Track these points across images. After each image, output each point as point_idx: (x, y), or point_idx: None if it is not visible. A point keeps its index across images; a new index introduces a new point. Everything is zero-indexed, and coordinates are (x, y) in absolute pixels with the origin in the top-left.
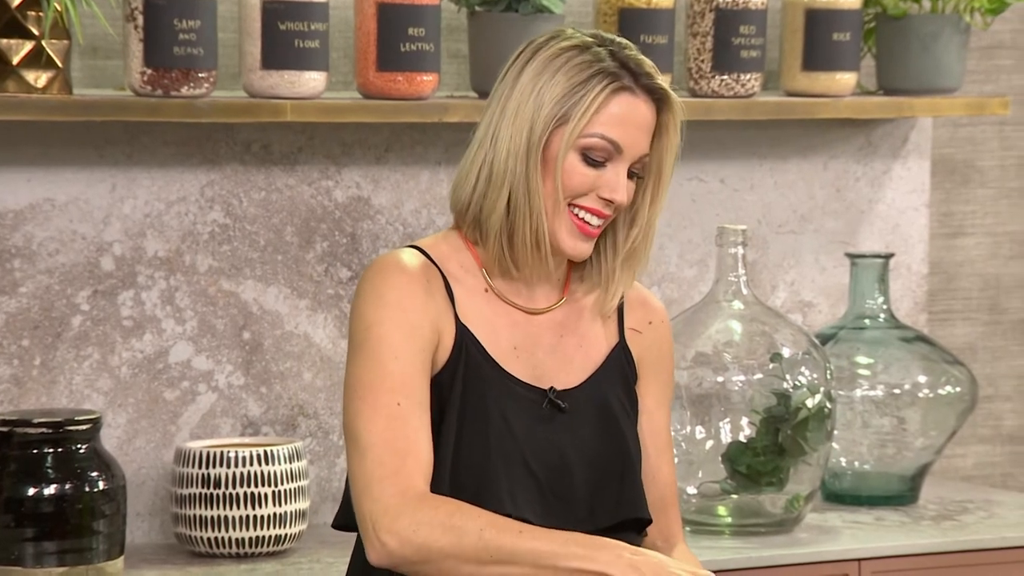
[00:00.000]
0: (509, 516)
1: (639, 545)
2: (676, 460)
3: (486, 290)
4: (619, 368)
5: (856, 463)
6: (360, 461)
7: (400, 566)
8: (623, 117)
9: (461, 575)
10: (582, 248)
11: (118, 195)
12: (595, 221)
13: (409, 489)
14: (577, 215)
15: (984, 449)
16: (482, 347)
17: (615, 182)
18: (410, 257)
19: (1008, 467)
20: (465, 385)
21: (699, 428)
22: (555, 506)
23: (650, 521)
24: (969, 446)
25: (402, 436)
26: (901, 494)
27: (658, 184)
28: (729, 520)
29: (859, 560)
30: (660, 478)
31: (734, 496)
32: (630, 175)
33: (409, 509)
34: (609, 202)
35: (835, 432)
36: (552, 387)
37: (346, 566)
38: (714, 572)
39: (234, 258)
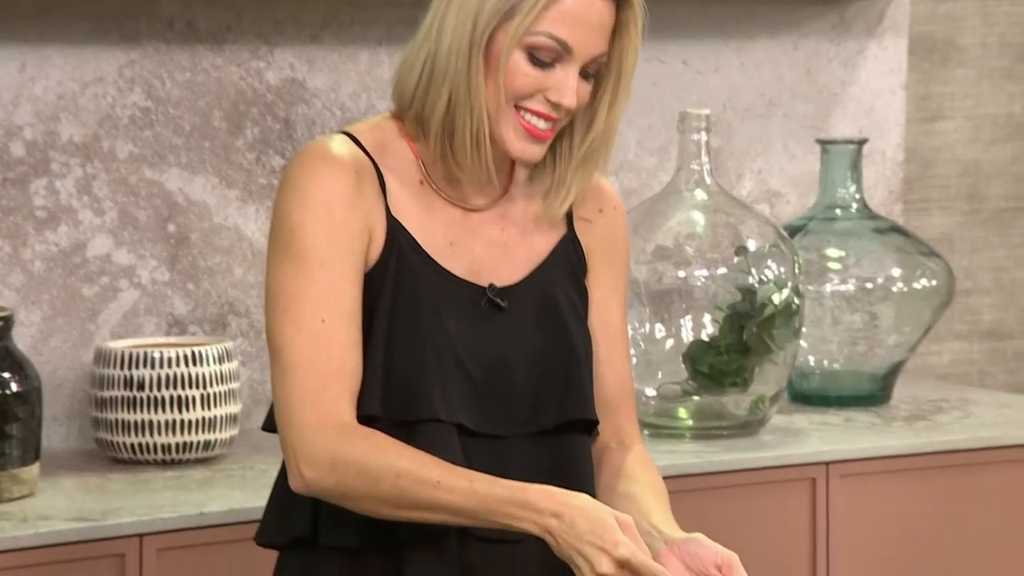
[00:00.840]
0: (440, 421)
1: (587, 450)
2: (634, 361)
3: (421, 182)
4: (566, 261)
5: (825, 362)
6: (281, 381)
7: (319, 496)
8: (575, 15)
9: (380, 514)
10: (532, 151)
11: (28, 75)
12: (543, 124)
13: (329, 417)
14: (524, 117)
15: (960, 346)
16: (415, 242)
17: (563, 84)
18: (339, 146)
19: (985, 364)
20: (397, 282)
21: (659, 326)
22: (493, 409)
23: (597, 423)
24: (945, 343)
25: (325, 356)
26: (872, 394)
27: (617, 86)
28: (690, 423)
29: (827, 463)
30: (612, 373)
31: (695, 398)
32: (585, 76)
33: (327, 442)
34: (557, 105)
35: (803, 329)
36: (491, 284)
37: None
38: (674, 477)
39: (157, 144)
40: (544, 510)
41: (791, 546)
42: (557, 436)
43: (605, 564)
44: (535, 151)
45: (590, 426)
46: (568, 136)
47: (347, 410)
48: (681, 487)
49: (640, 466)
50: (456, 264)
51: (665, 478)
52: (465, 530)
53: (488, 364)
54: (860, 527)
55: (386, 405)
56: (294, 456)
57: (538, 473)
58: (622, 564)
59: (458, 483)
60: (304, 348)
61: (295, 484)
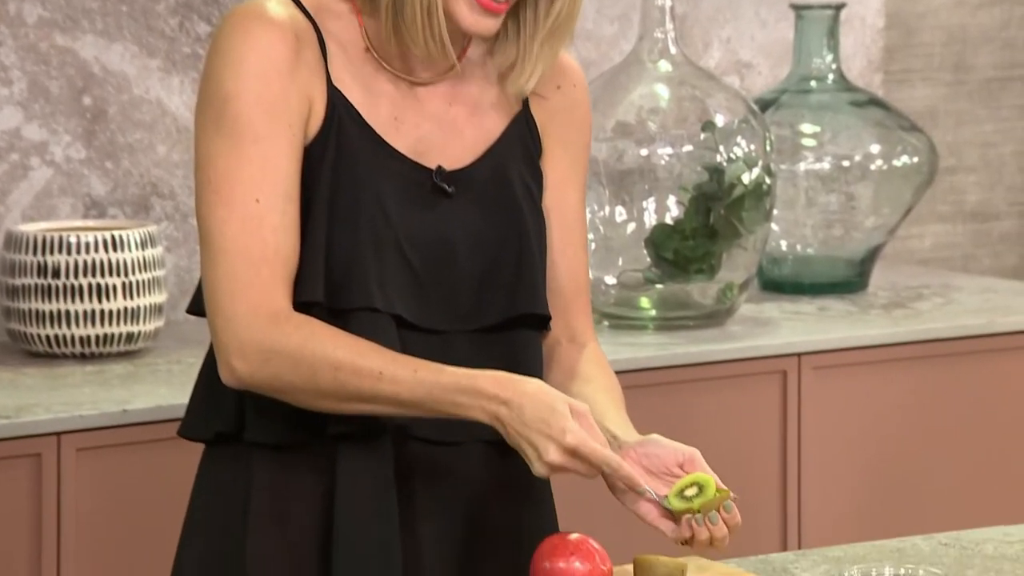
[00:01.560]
0: (376, 311)
1: (538, 347)
2: (593, 247)
3: (366, 50)
4: (520, 141)
5: (798, 247)
6: (212, 267)
7: (252, 390)
8: None
9: (318, 408)
10: (486, 24)
11: None
12: None
13: (262, 306)
14: None
15: (943, 228)
16: (357, 114)
17: None
18: (276, 6)
19: (970, 247)
20: (337, 158)
21: (619, 209)
22: (434, 301)
23: (549, 318)
24: (927, 225)
25: (258, 241)
26: (848, 281)
27: None
28: (653, 313)
29: (799, 355)
30: (566, 263)
31: (659, 286)
32: None
33: (260, 332)
34: None
35: (774, 212)
36: (439, 167)
37: None
38: (636, 371)
39: (69, 8)
40: (493, 397)
41: (760, 443)
42: (504, 332)
43: (552, 452)
44: (489, 25)
45: (541, 322)
46: (532, 6)
47: (281, 298)
48: (643, 381)
49: (594, 366)
50: (401, 141)
51: (626, 372)
52: (403, 428)
53: (430, 252)
54: (834, 422)
55: (326, 293)
56: (224, 348)
57: (469, 363)
58: (571, 452)
59: (402, 373)
60: (236, 232)
61: (226, 377)
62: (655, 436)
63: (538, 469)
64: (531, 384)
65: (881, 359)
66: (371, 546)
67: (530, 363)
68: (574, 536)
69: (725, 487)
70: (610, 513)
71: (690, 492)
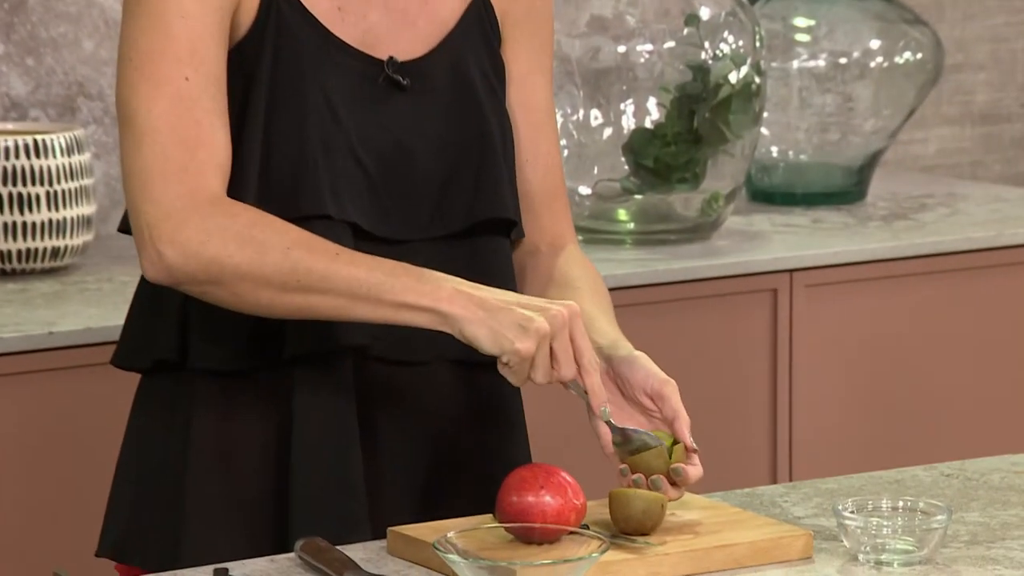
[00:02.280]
0: (330, 219)
1: (507, 255)
2: (565, 154)
3: None
4: (479, 29)
5: (791, 153)
6: (136, 151)
7: (183, 284)
8: None
9: (258, 303)
10: None
11: None
12: None
13: (199, 190)
14: None
15: (950, 132)
16: (297, 1)
17: None
18: None
19: (979, 153)
20: (276, 53)
21: (594, 112)
22: (391, 206)
23: (516, 223)
24: (931, 128)
25: (191, 121)
26: (846, 190)
27: None
28: (631, 226)
29: (791, 271)
30: (538, 164)
31: (638, 197)
32: None
33: (198, 215)
34: None
35: (765, 114)
36: (391, 57)
37: None
38: (613, 289)
39: None
40: (447, 279)
41: (749, 368)
42: (469, 240)
43: (539, 320)
44: None
45: (508, 227)
46: None
47: (219, 185)
48: (620, 301)
49: (575, 267)
50: (347, 32)
51: None
52: (363, 349)
53: (386, 154)
54: (828, 345)
55: (264, 199)
56: (152, 236)
57: None
58: (562, 324)
59: (360, 256)
60: (164, 111)
61: (152, 271)
62: (638, 355)
63: (520, 347)
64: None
65: (880, 275)
66: (331, 479)
67: (499, 272)
68: (544, 468)
69: (690, 442)
70: (587, 443)
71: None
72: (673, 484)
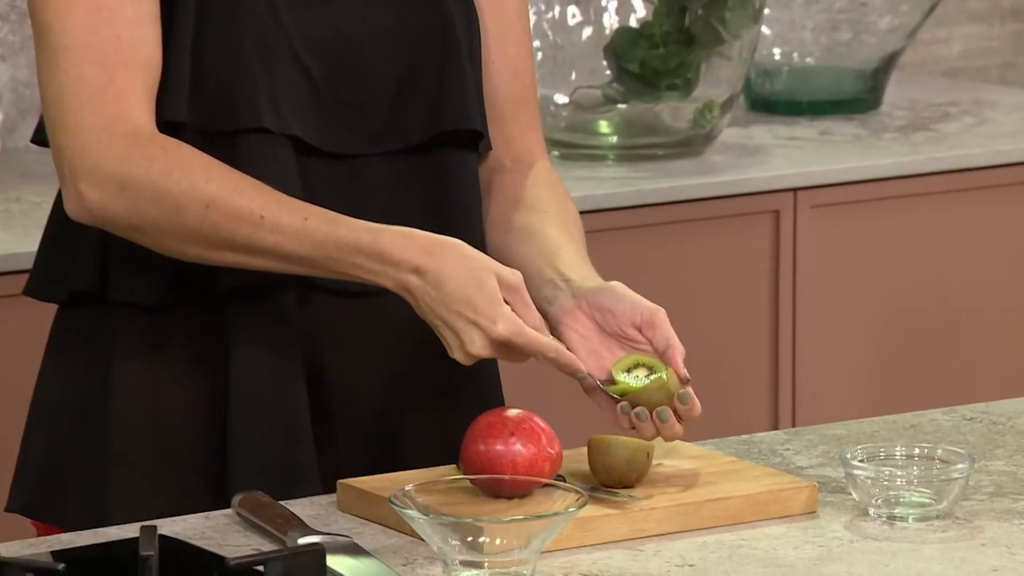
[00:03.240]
0: (268, 132)
1: (472, 171)
2: (538, 57)
3: None
4: None
5: (795, 56)
6: (52, 71)
7: (107, 227)
8: None
9: (185, 255)
10: None
11: None
12: None
13: (118, 120)
14: None
15: (976, 30)
16: None
17: None
18: None
19: (1009, 54)
20: None
21: (572, 10)
22: (340, 118)
23: (482, 135)
24: (955, 26)
25: (110, 37)
26: (858, 98)
27: None
28: (614, 140)
29: (795, 190)
30: (505, 67)
31: (621, 106)
32: None
33: (115, 155)
34: None
35: (766, 11)
36: None
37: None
38: (592, 212)
39: None
40: (401, 263)
41: (747, 299)
42: (428, 154)
43: (478, 343)
44: None
45: (473, 139)
46: None
47: (142, 111)
48: (601, 225)
49: (543, 189)
50: None
51: (580, 213)
52: (308, 278)
53: (331, 55)
54: (837, 273)
55: (195, 110)
56: (71, 171)
57: (403, 207)
58: (501, 344)
59: (288, 220)
60: (80, 24)
61: (73, 209)
62: (615, 285)
63: (458, 357)
64: (449, 248)
65: (896, 194)
66: (273, 426)
67: (462, 191)
68: (515, 412)
69: (684, 372)
70: (564, 385)
71: (635, 376)
72: (678, 418)
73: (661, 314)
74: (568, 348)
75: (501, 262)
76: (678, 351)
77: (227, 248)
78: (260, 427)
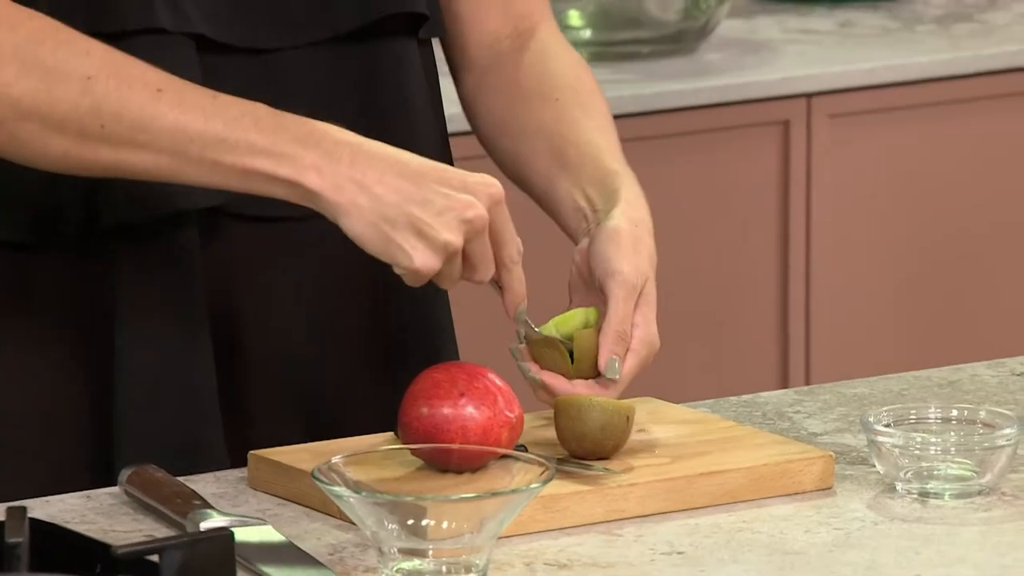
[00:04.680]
0: (166, 33)
1: (414, 63)
2: None
3: None
4: None
5: None
6: None
7: None
8: None
9: (48, 153)
10: None
11: None
12: None
13: None
14: None
15: None
16: None
17: None
18: None
19: None
20: None
21: None
22: (251, 3)
23: (426, 17)
24: None
25: None
26: None
27: None
28: (587, 34)
29: (808, 96)
30: None
31: None
32: None
33: None
34: None
35: None
36: None
37: None
38: None
39: None
40: (342, 143)
41: (750, 226)
42: (361, 45)
43: (453, 226)
44: None
45: (415, 22)
46: None
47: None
48: None
49: (551, 61)
50: None
51: None
52: (213, 210)
53: None
54: (858, 196)
55: (64, 14)
56: None
57: (331, 109)
58: (495, 203)
59: (192, 96)
60: None
61: None
62: (614, 228)
63: (419, 265)
64: (401, 153)
65: (932, 100)
66: (170, 387)
67: (403, 88)
68: (467, 368)
69: (603, 364)
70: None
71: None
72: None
73: (615, 281)
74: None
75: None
76: (616, 335)
77: (106, 140)
78: (154, 390)
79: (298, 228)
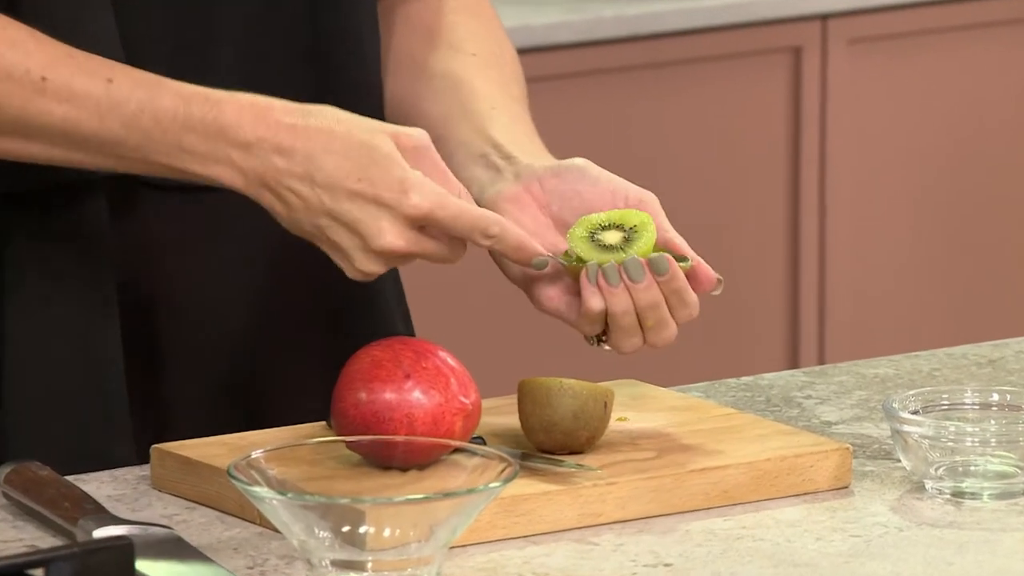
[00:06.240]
0: None
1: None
2: None
3: None
4: None
5: None
6: None
7: None
8: None
9: None
10: None
11: None
12: None
13: None
14: None
15: None
16: None
17: None
18: None
19: None
20: None
21: None
22: None
23: None
24: None
25: None
26: None
27: None
28: None
29: (823, 18)
30: None
31: None
32: None
33: None
34: None
35: None
36: None
37: None
38: (547, 48)
39: None
40: (253, 143)
41: (759, 165)
42: None
43: (388, 230)
44: None
45: None
46: None
47: None
48: (542, 69)
49: (468, 17)
50: None
51: (534, 52)
52: (125, 178)
53: None
54: (879, 133)
55: None
56: None
57: (266, 51)
58: (419, 223)
59: (83, 84)
60: None
61: None
62: (583, 163)
63: (359, 267)
64: (318, 116)
65: (962, 23)
66: (70, 378)
67: (349, 21)
68: (413, 344)
69: (707, 268)
70: (486, 309)
71: (610, 237)
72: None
73: (652, 201)
74: None
75: (403, 124)
76: (681, 242)
77: (17, 133)
78: (49, 380)
79: (224, 199)
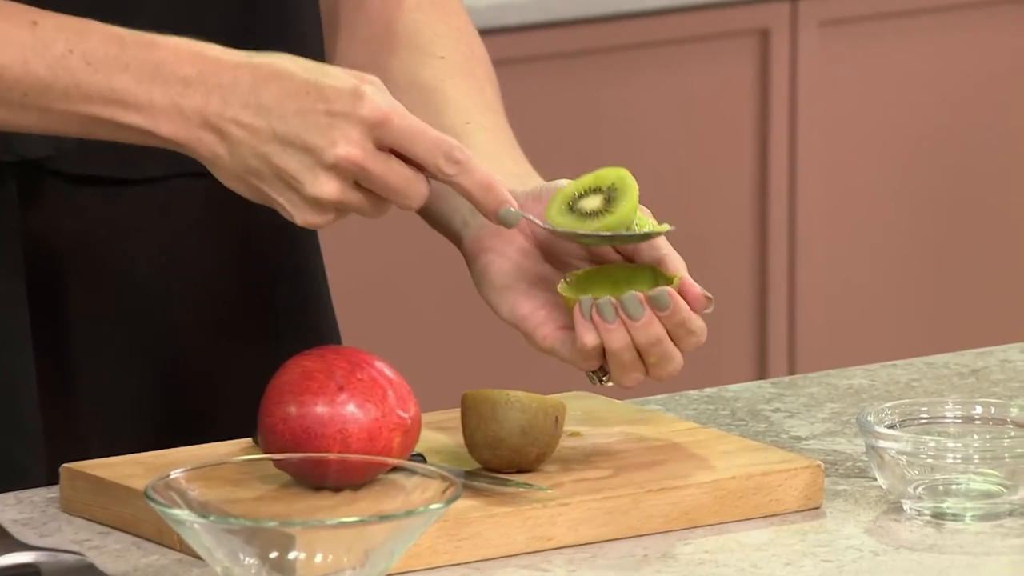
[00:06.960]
0: None
1: None
2: None
3: None
4: None
5: None
6: None
7: None
8: None
9: None
10: None
11: None
12: None
13: None
14: None
15: None
16: None
17: None
18: None
19: None
20: None
21: None
22: None
23: None
24: None
25: None
26: None
27: None
28: None
29: (793, 0)
30: None
31: None
32: None
33: None
34: None
35: None
36: None
37: None
38: (522, 28)
39: None
40: (194, 78)
41: (726, 154)
42: None
43: (340, 144)
44: None
45: None
46: None
47: None
48: (508, 51)
49: (432, 13)
50: None
51: (489, 35)
52: (35, 162)
53: None
54: (852, 121)
55: None
56: None
57: (198, 7)
58: (376, 127)
59: (2, 28)
60: None
61: None
62: (564, 184)
63: (313, 191)
64: (266, 55)
65: (938, 5)
66: None
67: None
68: (347, 353)
69: (698, 288)
70: (424, 311)
71: (590, 203)
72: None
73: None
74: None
75: None
76: (678, 262)
77: None
78: None
79: (142, 193)
